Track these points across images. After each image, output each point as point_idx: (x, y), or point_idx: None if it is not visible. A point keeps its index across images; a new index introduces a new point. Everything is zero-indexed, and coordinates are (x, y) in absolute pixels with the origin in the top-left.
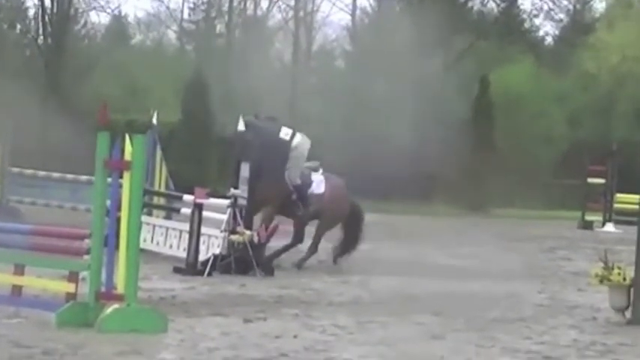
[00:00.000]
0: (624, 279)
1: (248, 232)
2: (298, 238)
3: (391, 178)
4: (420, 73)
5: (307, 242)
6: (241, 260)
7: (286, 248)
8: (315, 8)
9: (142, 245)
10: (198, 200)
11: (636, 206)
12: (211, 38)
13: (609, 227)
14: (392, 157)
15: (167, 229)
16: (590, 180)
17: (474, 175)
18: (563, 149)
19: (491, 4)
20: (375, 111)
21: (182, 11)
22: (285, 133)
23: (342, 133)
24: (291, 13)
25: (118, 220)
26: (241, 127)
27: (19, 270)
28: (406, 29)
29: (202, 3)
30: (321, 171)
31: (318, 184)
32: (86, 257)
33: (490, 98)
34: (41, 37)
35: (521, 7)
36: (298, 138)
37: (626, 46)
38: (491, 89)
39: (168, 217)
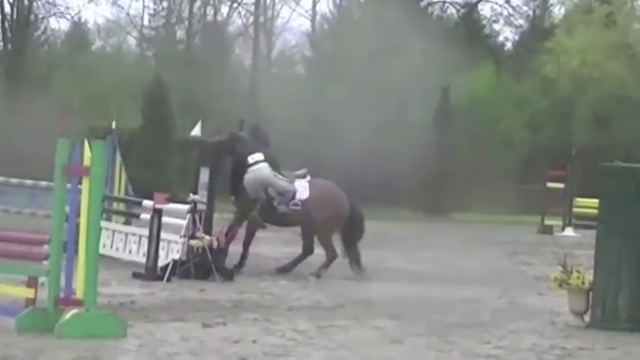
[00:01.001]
0: (583, 283)
1: (207, 238)
2: (308, 249)
3: (353, 184)
4: (381, 78)
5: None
6: (201, 265)
7: (297, 260)
8: (275, 14)
9: (101, 251)
10: (158, 206)
11: (595, 211)
12: (171, 44)
13: (569, 231)
14: (354, 163)
15: (126, 234)
16: (549, 184)
17: (435, 180)
18: (523, 154)
19: (451, 10)
20: (337, 117)
21: (142, 17)
22: (252, 158)
23: (303, 138)
24: (251, 19)
25: (78, 225)
26: (197, 132)
27: None
28: (366, 35)
29: (162, 9)
30: (308, 178)
31: (302, 190)
32: (45, 263)
33: (451, 103)
34: (1, 43)
35: (481, 12)
36: (259, 166)
37: (586, 51)
38: (452, 94)
39: (127, 223)
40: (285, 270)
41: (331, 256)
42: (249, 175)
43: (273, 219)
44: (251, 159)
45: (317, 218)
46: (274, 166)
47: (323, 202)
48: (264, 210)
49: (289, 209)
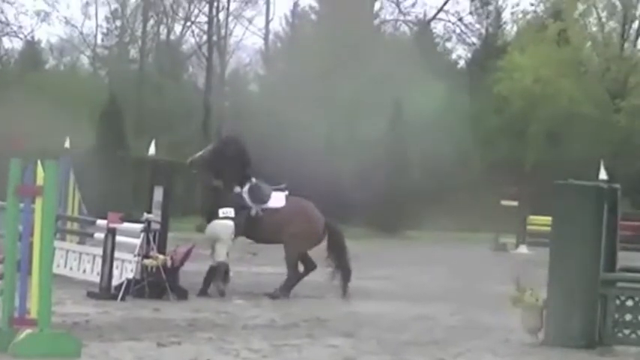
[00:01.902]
0: (537, 300)
1: (161, 257)
2: (311, 265)
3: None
4: (334, 96)
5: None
6: (155, 285)
7: (300, 277)
8: (228, 32)
9: (55, 270)
10: (112, 225)
11: (549, 228)
12: (124, 63)
13: (522, 249)
14: (307, 181)
15: (80, 253)
16: (503, 202)
17: (388, 198)
18: (477, 171)
19: (404, 28)
20: (290, 135)
21: (95, 36)
22: (222, 212)
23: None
24: (204, 38)
25: (31, 245)
26: (152, 151)
27: None
28: (319, 53)
29: (115, 28)
30: (286, 192)
31: (277, 199)
32: None
33: (404, 121)
34: None
35: (434, 30)
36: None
37: (539, 68)
38: (405, 112)
39: (81, 242)
40: (289, 289)
41: (292, 275)
42: (212, 225)
43: (253, 232)
44: (221, 213)
45: (287, 231)
46: (246, 177)
47: (295, 217)
48: (246, 223)
49: (261, 212)
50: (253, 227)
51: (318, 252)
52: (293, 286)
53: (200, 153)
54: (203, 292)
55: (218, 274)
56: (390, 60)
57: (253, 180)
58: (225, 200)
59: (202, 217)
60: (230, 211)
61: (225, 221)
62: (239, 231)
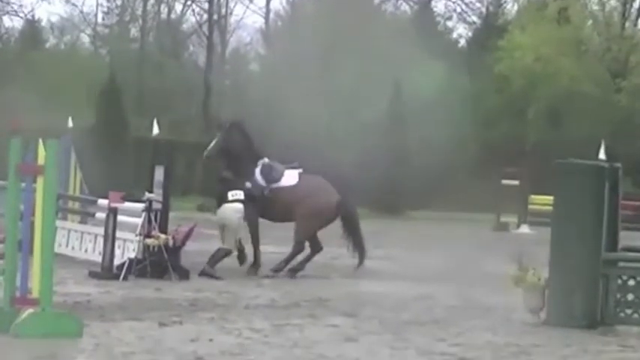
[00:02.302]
0: (539, 280)
1: (163, 236)
2: (317, 247)
3: None
4: (335, 76)
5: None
6: (157, 264)
7: (308, 258)
8: (228, 11)
9: (57, 250)
10: (113, 204)
11: (550, 207)
12: (125, 42)
13: (524, 229)
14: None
15: (82, 233)
16: (504, 182)
17: (389, 177)
18: (477, 151)
19: (405, 7)
20: (290, 115)
21: (96, 15)
22: (231, 194)
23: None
24: (205, 17)
25: (32, 224)
26: (156, 130)
27: None
28: (320, 32)
29: (116, 7)
30: (300, 170)
31: (290, 177)
32: (0, 262)
33: (404, 101)
34: None
35: (435, 9)
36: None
37: (539, 46)
38: (405, 92)
39: (83, 222)
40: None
41: (297, 248)
42: (222, 210)
43: (268, 212)
44: (231, 195)
45: (299, 208)
46: (258, 158)
47: (309, 195)
48: (261, 204)
49: (271, 192)
50: (268, 207)
51: (327, 232)
52: (290, 262)
53: (212, 145)
54: (205, 272)
55: (218, 257)
56: (390, 39)
57: (266, 160)
58: (234, 186)
59: (216, 204)
60: (239, 194)
61: (234, 205)
62: (255, 214)
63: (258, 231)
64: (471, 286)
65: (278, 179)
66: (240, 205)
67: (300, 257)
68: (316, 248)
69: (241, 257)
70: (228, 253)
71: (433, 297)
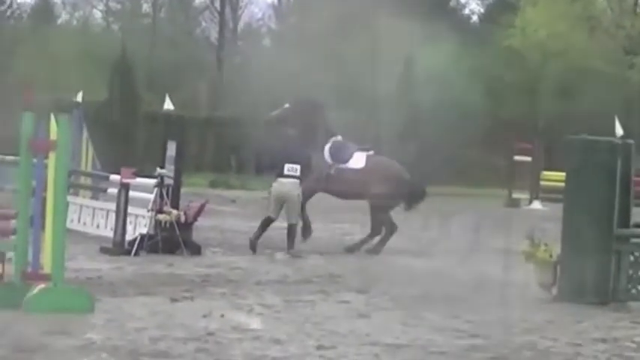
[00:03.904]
0: (550, 256)
1: (175, 212)
2: (375, 227)
3: None
4: (346, 51)
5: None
6: (168, 240)
7: (384, 240)
8: None
9: (68, 225)
10: (125, 180)
11: (562, 184)
12: (137, 18)
13: (536, 205)
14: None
15: (94, 209)
16: (516, 158)
17: (400, 153)
18: (490, 127)
19: None
20: (302, 90)
21: None
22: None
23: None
24: None
25: (44, 200)
26: (169, 105)
27: None
28: (332, 7)
29: None
30: (370, 152)
31: (358, 159)
32: (12, 237)
33: (415, 76)
34: None
35: None
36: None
37: (552, 22)
38: (416, 67)
39: (95, 197)
40: (353, 249)
41: (387, 232)
42: (279, 184)
43: (328, 186)
44: (287, 169)
45: (369, 192)
46: (331, 132)
47: (377, 178)
48: (325, 180)
49: (336, 172)
50: (332, 184)
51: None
52: (366, 243)
53: (276, 112)
54: (291, 250)
55: (292, 236)
56: (402, 15)
57: (339, 137)
58: (293, 155)
59: (272, 172)
60: (296, 168)
61: (293, 180)
62: (315, 188)
63: (305, 202)
64: (482, 262)
65: (346, 160)
66: (297, 182)
67: (377, 239)
68: (391, 229)
69: (306, 232)
70: (295, 225)
71: (445, 273)
